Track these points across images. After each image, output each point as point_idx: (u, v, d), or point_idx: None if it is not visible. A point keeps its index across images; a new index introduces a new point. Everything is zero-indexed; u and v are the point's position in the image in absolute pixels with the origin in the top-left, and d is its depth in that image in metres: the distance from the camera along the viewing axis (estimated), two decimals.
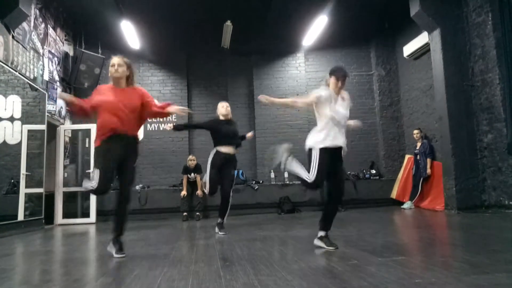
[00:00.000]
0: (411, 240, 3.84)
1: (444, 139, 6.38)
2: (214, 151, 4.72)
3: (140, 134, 3.51)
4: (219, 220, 4.72)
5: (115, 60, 3.31)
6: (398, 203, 7.75)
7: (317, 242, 3.26)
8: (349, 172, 8.34)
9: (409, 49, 7.90)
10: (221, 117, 4.85)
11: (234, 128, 4.89)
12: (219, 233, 4.58)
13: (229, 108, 4.90)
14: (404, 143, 8.72)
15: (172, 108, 3.46)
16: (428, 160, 7.09)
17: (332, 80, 3.36)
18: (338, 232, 4.42)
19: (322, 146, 3.20)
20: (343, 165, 3.35)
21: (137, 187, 7.90)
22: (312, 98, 3.32)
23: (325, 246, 3.17)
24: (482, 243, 3.28)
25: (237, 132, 4.95)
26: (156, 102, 3.58)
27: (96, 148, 3.22)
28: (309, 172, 3.19)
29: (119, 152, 3.18)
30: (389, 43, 8.97)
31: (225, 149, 4.68)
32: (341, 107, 3.33)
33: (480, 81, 6.11)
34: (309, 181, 3.17)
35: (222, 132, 4.74)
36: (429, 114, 7.61)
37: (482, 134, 6.12)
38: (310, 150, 3.25)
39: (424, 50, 7.45)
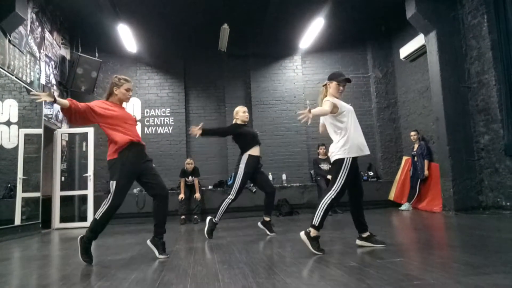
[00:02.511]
0: (410, 242, 3.84)
1: (441, 141, 6.40)
2: (246, 156, 4.54)
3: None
4: (268, 218, 4.67)
5: (131, 85, 3.47)
6: (396, 204, 7.76)
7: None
8: None
9: (405, 51, 7.93)
10: (240, 122, 4.72)
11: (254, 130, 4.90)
12: (271, 234, 4.57)
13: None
14: (402, 145, 8.74)
15: None
16: (426, 162, 7.10)
17: (333, 85, 3.31)
18: (336, 234, 4.42)
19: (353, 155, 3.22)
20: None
21: (135, 191, 7.87)
22: (331, 105, 3.19)
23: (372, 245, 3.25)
24: (480, 244, 3.29)
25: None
26: None
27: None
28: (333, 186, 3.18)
29: (139, 164, 3.40)
30: (386, 45, 9.01)
31: (256, 152, 4.62)
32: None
33: (477, 83, 6.14)
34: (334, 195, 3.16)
35: (250, 134, 4.67)
36: (426, 115, 7.64)
37: (479, 135, 6.14)
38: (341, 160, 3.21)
39: (421, 52, 7.48)
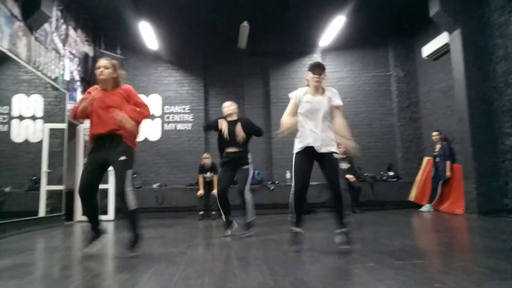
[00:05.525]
0: (430, 244, 3.77)
1: (465, 142, 6.25)
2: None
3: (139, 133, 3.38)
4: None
5: (101, 62, 3.33)
6: (417, 205, 7.63)
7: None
8: (366, 174, 8.25)
9: (428, 49, 7.78)
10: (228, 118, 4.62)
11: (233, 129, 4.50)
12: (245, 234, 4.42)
13: (232, 107, 4.62)
14: (423, 145, 8.58)
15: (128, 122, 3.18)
16: (448, 163, 6.95)
17: (309, 76, 3.33)
18: (355, 234, 4.37)
19: (296, 150, 3.31)
20: (333, 162, 3.26)
21: (154, 186, 8.01)
22: (292, 102, 3.37)
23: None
24: (504, 248, 3.20)
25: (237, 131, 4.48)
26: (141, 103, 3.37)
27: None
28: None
29: (102, 153, 3.21)
30: (408, 44, 8.84)
31: (229, 149, 4.52)
32: (317, 100, 3.29)
33: (503, 83, 5.96)
34: (291, 194, 3.29)
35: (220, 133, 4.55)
36: (448, 115, 7.47)
37: (504, 136, 5.96)
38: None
39: (444, 51, 7.31)
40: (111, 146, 3.20)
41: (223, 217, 4.55)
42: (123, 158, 3.16)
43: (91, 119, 3.28)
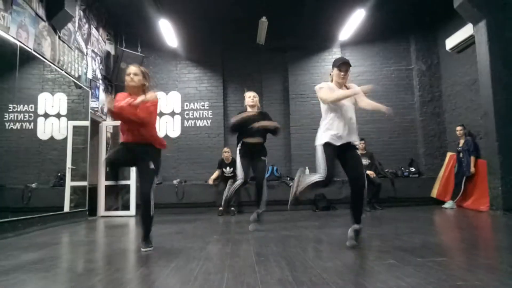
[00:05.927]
0: (453, 241, 3.69)
1: (490, 136, 6.08)
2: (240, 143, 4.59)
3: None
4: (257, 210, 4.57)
5: (131, 69, 3.33)
6: (439, 202, 7.48)
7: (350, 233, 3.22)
8: (386, 170, 8.13)
9: (452, 42, 7.57)
10: (248, 109, 4.63)
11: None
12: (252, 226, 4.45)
13: (256, 99, 4.66)
14: (446, 140, 8.39)
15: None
16: (472, 158, 6.77)
17: (335, 72, 3.33)
18: (375, 231, 4.33)
19: (326, 139, 3.22)
20: (358, 156, 3.40)
21: (175, 182, 8.11)
22: (326, 87, 3.29)
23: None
24: None
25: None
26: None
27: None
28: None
29: (134, 153, 3.35)
30: (430, 36, 8.63)
31: (249, 140, 4.52)
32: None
33: None
34: (321, 179, 3.17)
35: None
36: (473, 110, 7.27)
37: None
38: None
39: (469, 43, 7.11)
40: (141, 151, 3.32)
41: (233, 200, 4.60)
42: (151, 166, 3.32)
43: (124, 123, 3.35)
